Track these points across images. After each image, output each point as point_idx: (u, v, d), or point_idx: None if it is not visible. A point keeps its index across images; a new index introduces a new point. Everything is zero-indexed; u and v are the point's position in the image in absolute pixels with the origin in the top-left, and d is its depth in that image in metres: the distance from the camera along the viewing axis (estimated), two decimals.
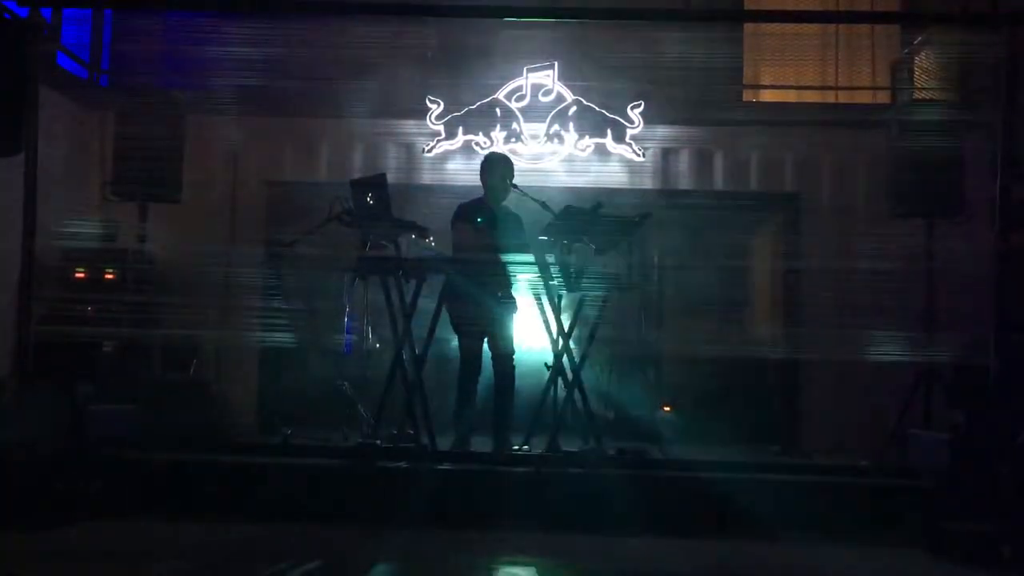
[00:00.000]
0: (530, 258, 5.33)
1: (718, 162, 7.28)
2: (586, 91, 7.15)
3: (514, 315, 5.68)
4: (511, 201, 5.81)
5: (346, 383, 6.18)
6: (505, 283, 5.52)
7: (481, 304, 5.47)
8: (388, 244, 5.56)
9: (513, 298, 5.63)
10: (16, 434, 4.53)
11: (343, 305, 6.36)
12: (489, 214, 5.69)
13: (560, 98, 7.21)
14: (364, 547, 4.32)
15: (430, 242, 5.67)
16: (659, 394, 7.14)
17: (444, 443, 5.37)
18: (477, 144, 7.14)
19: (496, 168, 5.80)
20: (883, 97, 7.39)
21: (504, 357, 5.64)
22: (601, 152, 7.21)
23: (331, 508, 4.67)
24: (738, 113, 7.36)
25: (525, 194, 5.73)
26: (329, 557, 4.11)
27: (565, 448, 5.30)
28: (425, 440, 5.26)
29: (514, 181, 5.75)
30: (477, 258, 5.53)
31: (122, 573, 3.80)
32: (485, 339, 5.67)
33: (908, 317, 5.85)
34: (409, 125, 7.26)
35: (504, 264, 5.42)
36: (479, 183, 5.84)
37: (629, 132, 7.16)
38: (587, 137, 7.18)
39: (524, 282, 5.49)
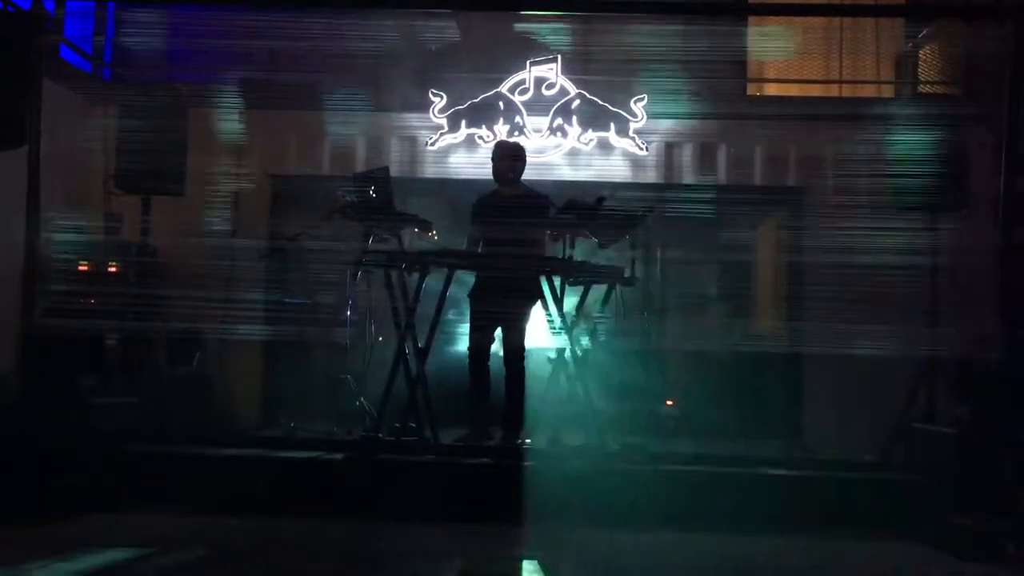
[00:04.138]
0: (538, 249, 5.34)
1: (721, 156, 7.27)
2: (589, 84, 7.15)
3: (532, 308, 5.65)
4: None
5: (349, 376, 6.18)
6: (526, 275, 5.47)
7: (504, 297, 5.45)
8: (391, 237, 5.56)
9: (535, 290, 5.59)
10: (20, 427, 4.54)
11: (346, 298, 6.36)
12: (502, 202, 5.67)
13: (563, 91, 7.20)
14: (366, 541, 4.33)
15: (433, 236, 5.68)
16: (662, 388, 7.13)
17: (446, 436, 5.39)
18: (480, 138, 7.14)
19: (498, 155, 5.81)
20: (887, 91, 7.37)
21: (516, 351, 5.63)
22: (604, 146, 7.21)
23: (334, 501, 4.68)
24: (742, 107, 7.35)
25: (527, 188, 5.73)
26: (331, 552, 4.13)
27: (567, 443, 5.32)
28: (428, 433, 5.27)
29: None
30: (474, 252, 5.53)
31: (122, 566, 3.81)
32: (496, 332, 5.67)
33: (912, 311, 5.84)
34: (412, 119, 7.25)
35: (520, 255, 5.40)
36: (481, 176, 5.84)
37: (632, 126, 7.15)
38: (590, 131, 7.18)
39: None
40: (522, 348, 5.61)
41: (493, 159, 5.83)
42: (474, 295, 5.60)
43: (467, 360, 5.68)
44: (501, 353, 5.64)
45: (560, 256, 5.40)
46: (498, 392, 5.62)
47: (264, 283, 6.64)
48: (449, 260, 5.40)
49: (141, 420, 5.32)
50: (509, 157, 5.78)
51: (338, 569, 3.93)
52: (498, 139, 6.84)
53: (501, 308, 5.49)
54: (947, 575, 4.13)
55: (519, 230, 5.40)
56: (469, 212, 5.77)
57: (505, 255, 5.44)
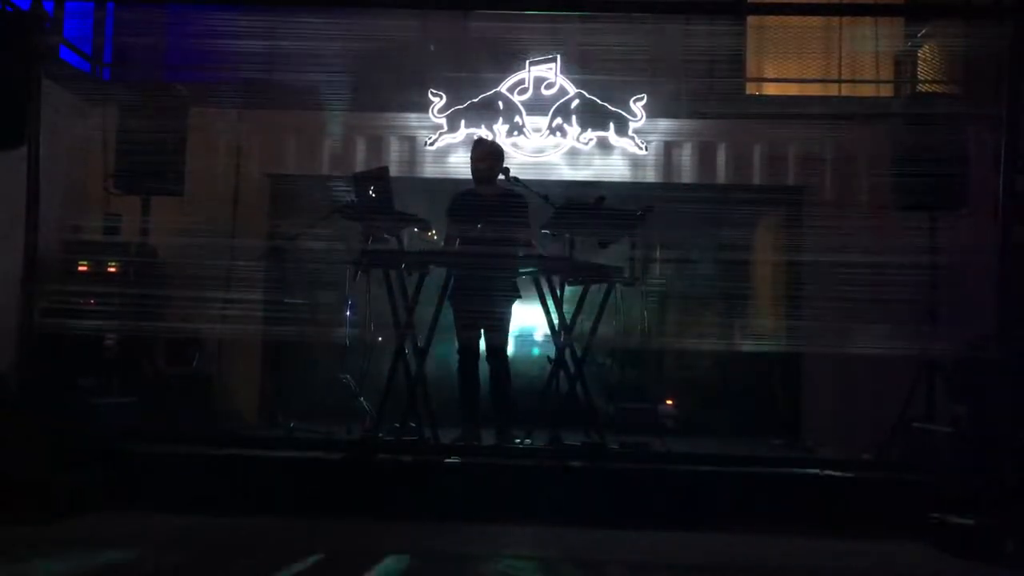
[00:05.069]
0: (523, 247, 5.36)
1: (720, 155, 7.27)
2: (588, 84, 7.15)
3: (511, 307, 5.66)
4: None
5: (348, 376, 6.18)
6: (501, 274, 5.50)
7: (477, 297, 5.46)
8: (390, 237, 5.56)
9: (511, 289, 5.61)
10: (19, 427, 4.54)
11: (345, 298, 6.35)
12: (479, 201, 5.67)
13: (562, 91, 7.20)
14: (367, 540, 4.33)
15: (432, 235, 5.68)
16: (661, 387, 7.13)
17: (446, 436, 5.39)
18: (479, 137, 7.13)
19: (476, 154, 5.80)
20: (886, 90, 7.37)
21: (497, 350, 5.62)
22: (603, 145, 7.21)
23: (334, 501, 4.68)
24: (741, 106, 7.34)
25: (526, 187, 5.73)
26: (332, 551, 4.13)
27: (567, 442, 5.32)
28: (427, 433, 5.27)
29: (514, 174, 5.75)
30: (468, 251, 5.54)
31: (123, 565, 3.81)
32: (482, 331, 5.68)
33: (911, 310, 5.84)
34: (411, 118, 7.25)
35: (498, 254, 5.41)
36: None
37: (631, 125, 7.15)
38: (589, 130, 7.18)
39: (522, 270, 5.50)
40: (503, 347, 5.62)
41: (472, 158, 5.83)
42: (453, 296, 5.56)
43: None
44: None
45: (560, 256, 5.40)
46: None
47: (263, 283, 6.63)
48: (448, 260, 5.41)
49: (139, 419, 5.33)
50: (490, 157, 5.78)
51: (336, 569, 3.93)
52: (476, 138, 6.81)
53: (479, 308, 5.50)
54: (947, 575, 4.13)
55: (498, 229, 5.42)
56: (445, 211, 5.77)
57: (501, 255, 5.44)
